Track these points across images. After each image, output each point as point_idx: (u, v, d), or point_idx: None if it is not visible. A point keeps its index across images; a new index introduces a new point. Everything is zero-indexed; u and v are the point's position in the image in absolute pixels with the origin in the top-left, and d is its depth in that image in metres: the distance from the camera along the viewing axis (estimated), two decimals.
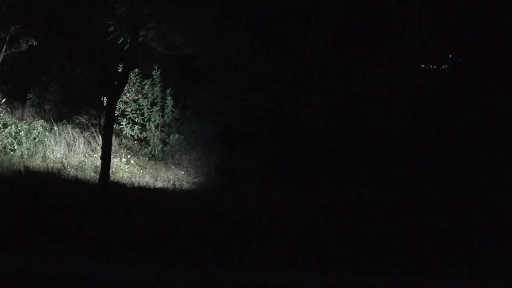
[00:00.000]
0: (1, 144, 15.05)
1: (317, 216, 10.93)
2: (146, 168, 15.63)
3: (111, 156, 14.40)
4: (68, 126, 16.31)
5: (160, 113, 16.47)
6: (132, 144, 16.38)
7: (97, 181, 14.07)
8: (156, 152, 16.23)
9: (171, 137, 16.43)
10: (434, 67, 19.91)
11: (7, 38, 15.55)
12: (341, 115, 16.31)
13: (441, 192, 13.17)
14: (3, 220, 10.12)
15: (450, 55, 19.86)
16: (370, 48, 16.39)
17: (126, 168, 15.32)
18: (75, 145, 15.77)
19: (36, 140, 15.43)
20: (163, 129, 16.55)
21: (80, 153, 15.63)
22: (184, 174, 15.68)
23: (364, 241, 9.74)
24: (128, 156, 15.85)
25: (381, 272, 8.72)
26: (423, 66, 19.97)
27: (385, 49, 16.58)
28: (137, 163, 15.73)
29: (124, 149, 16.13)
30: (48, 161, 15.11)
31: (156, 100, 16.54)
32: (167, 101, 16.47)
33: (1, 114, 15.95)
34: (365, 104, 16.32)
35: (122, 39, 13.66)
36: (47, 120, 16.35)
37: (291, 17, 15.77)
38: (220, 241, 9.83)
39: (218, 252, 9.43)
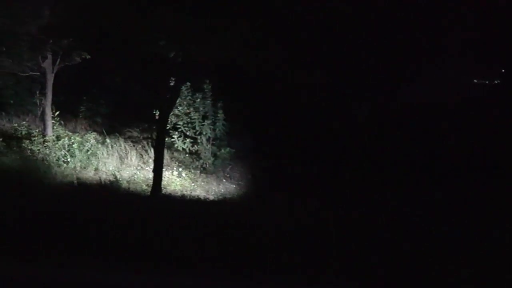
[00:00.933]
0: (55, 156, 15.17)
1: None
2: (197, 181, 15.56)
3: (163, 169, 14.46)
4: (120, 139, 16.41)
5: (211, 127, 16.37)
6: (184, 157, 16.33)
7: (149, 193, 14.11)
8: (207, 166, 16.13)
9: (222, 150, 16.30)
10: (487, 82, 19.65)
11: (60, 52, 15.69)
12: (389, 124, 16.15)
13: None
14: (56, 231, 10.19)
15: (503, 70, 19.57)
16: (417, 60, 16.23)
17: (177, 181, 15.28)
18: (127, 158, 15.82)
19: (89, 153, 15.48)
20: (214, 142, 16.43)
21: (132, 166, 15.67)
22: (235, 187, 15.56)
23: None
24: (180, 169, 15.80)
25: None
26: (475, 81, 19.72)
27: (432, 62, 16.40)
28: (188, 176, 15.67)
29: (175, 162, 16.09)
30: (100, 173, 15.17)
31: (207, 114, 16.46)
32: (218, 115, 16.38)
33: (55, 127, 16.13)
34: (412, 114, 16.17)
35: (173, 53, 13.63)
36: (99, 133, 16.47)
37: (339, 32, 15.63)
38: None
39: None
